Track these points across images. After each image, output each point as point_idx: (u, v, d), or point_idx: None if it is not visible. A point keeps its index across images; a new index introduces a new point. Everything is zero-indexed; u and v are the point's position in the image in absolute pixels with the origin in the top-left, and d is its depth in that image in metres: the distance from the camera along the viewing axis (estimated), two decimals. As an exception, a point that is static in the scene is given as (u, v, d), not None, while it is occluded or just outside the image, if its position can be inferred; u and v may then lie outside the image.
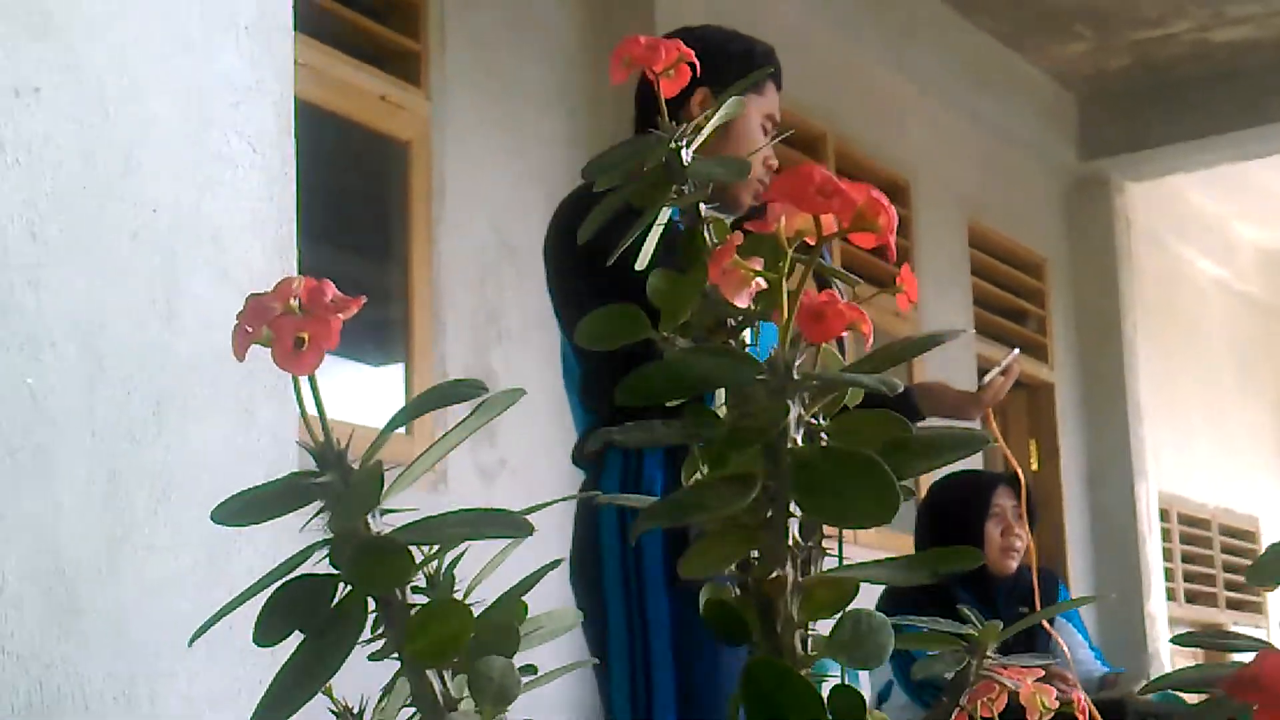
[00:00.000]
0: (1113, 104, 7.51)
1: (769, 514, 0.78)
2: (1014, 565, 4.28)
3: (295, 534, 1.37)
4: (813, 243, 0.86)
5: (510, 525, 0.80)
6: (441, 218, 5.12)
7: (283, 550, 1.35)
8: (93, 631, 1.22)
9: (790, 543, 0.79)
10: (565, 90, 5.53)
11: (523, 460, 5.03)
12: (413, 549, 0.81)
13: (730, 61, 2.93)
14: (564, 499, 1.01)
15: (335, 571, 0.84)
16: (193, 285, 1.33)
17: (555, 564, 0.94)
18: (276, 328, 0.81)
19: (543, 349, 4.36)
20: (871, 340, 0.93)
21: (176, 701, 1.27)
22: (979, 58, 6.99)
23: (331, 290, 0.83)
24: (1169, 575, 7.69)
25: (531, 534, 0.80)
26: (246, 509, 0.87)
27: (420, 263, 5.04)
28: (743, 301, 0.88)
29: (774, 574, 0.79)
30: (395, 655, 0.84)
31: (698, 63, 3.35)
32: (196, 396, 1.32)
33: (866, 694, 4.49)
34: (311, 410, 0.86)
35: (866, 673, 4.48)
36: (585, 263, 2.80)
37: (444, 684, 0.83)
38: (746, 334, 1.13)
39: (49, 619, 1.20)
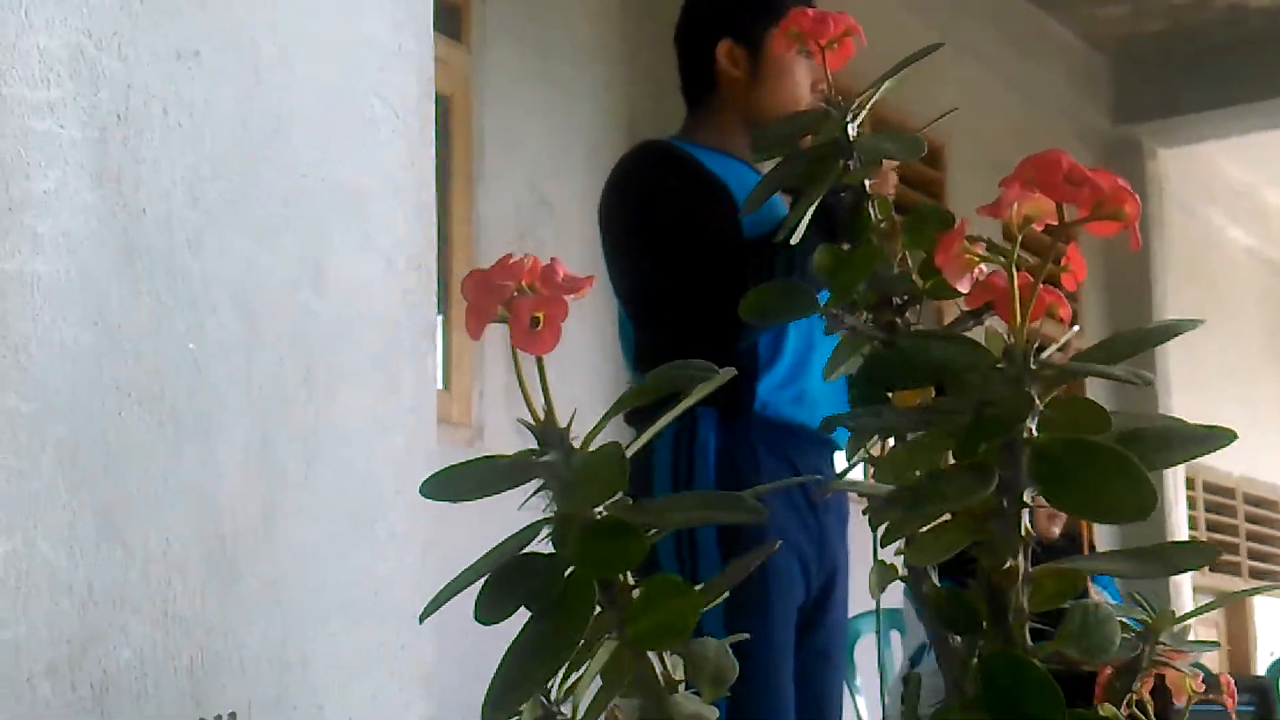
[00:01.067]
0: (1147, 69, 7.49)
1: (1003, 503, 0.79)
2: (1057, 531, 4.30)
3: (432, 503, 1.38)
4: (1041, 229, 0.86)
5: (743, 509, 0.80)
6: (481, 174, 5.11)
7: (420, 516, 1.36)
8: (250, 596, 1.23)
9: (1022, 533, 0.79)
10: (605, 44, 5.52)
11: (561, 417, 5.02)
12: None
13: (748, 2, 2.90)
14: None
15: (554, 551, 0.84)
16: (339, 251, 1.33)
17: (774, 545, 0.93)
18: (514, 308, 0.81)
19: (579, 305, 4.36)
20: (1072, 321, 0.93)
21: (325, 666, 1.28)
22: (1015, 20, 6.96)
23: (563, 269, 0.83)
24: (1192, 542, 7.68)
25: (764, 518, 0.80)
26: (464, 483, 0.87)
27: (460, 220, 5.03)
28: (964, 286, 0.87)
29: (1006, 564, 0.79)
30: (611, 636, 0.84)
31: (716, 11, 3.29)
32: (342, 363, 1.32)
33: (899, 659, 4.50)
34: (534, 388, 0.86)
35: (898, 635, 4.49)
36: (645, 230, 2.80)
37: (664, 666, 0.84)
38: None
39: (210, 583, 1.20)
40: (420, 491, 0.90)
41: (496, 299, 0.82)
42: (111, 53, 1.18)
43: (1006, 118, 6.91)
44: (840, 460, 2.76)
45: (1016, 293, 0.82)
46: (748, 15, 2.86)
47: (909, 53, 1.19)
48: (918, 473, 0.82)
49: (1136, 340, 0.82)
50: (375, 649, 1.32)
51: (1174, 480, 7.32)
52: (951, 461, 0.79)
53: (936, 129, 6.42)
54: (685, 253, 2.72)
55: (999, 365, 0.79)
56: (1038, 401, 0.78)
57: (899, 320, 1.12)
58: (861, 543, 3.15)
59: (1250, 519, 8.35)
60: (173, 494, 1.19)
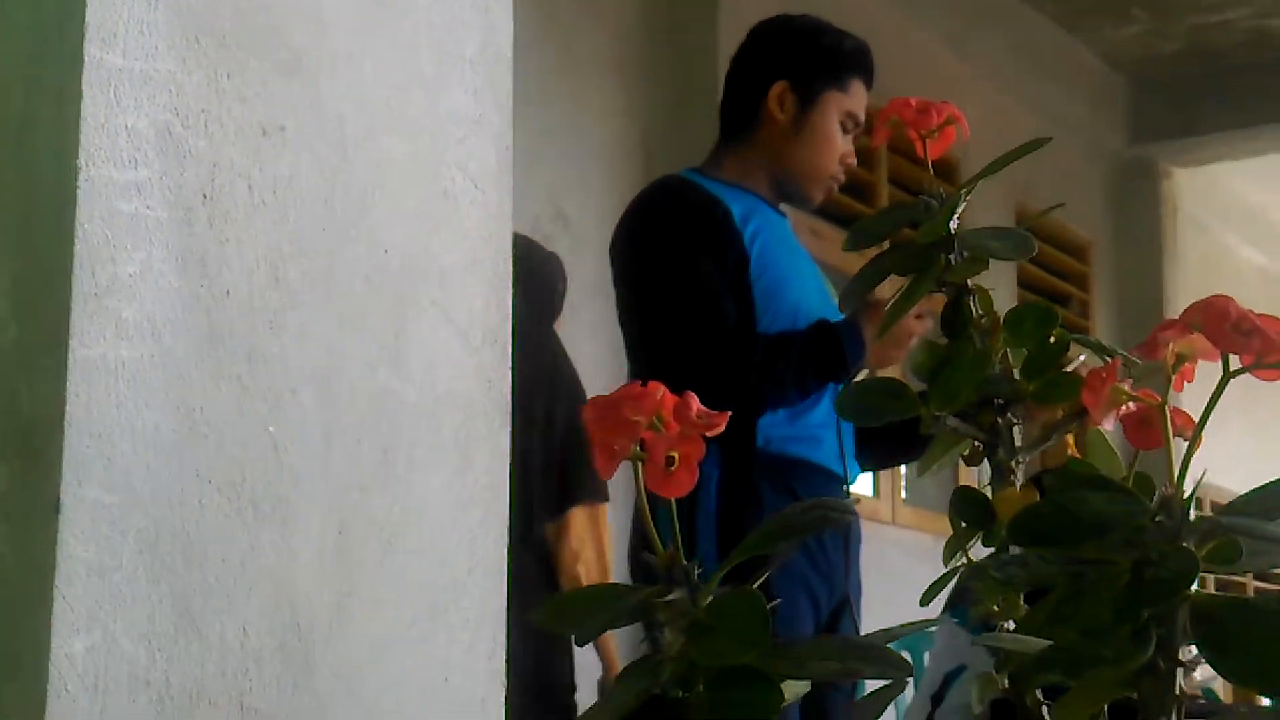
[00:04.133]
0: (1164, 89, 7.46)
1: (1159, 663, 0.76)
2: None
3: (505, 581, 1.35)
4: (1190, 368, 0.83)
5: (888, 665, 0.77)
6: (500, 187, 5.08)
7: (492, 598, 1.33)
8: (324, 688, 1.20)
9: (1176, 693, 0.76)
10: (624, 63, 5.48)
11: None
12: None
13: (815, 56, 2.89)
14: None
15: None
16: (419, 328, 1.29)
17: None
18: (650, 448, 0.78)
19: (595, 320, 4.34)
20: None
21: (398, 756, 1.25)
22: (1034, 40, 6.94)
23: (696, 404, 0.80)
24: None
25: (910, 676, 0.77)
26: (583, 617, 0.84)
27: (478, 232, 5.00)
28: (1109, 425, 0.84)
29: (1160, 723, 0.76)
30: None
31: (780, 54, 3.31)
32: (420, 443, 1.29)
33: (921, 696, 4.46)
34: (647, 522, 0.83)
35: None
36: (645, 274, 2.78)
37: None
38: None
39: (285, 675, 1.17)
40: (535, 621, 0.87)
41: (629, 437, 0.79)
42: (198, 131, 1.15)
43: (1024, 137, 6.88)
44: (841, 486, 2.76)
45: (1170, 439, 0.79)
46: (811, 68, 2.85)
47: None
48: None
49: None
50: (447, 737, 1.29)
51: (1182, 502, 7.29)
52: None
53: (954, 146, 6.39)
54: (680, 301, 2.71)
55: (1158, 518, 0.76)
56: (1200, 561, 0.75)
57: (999, 421, 1.10)
58: (871, 572, 3.11)
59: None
60: (250, 582, 1.16)
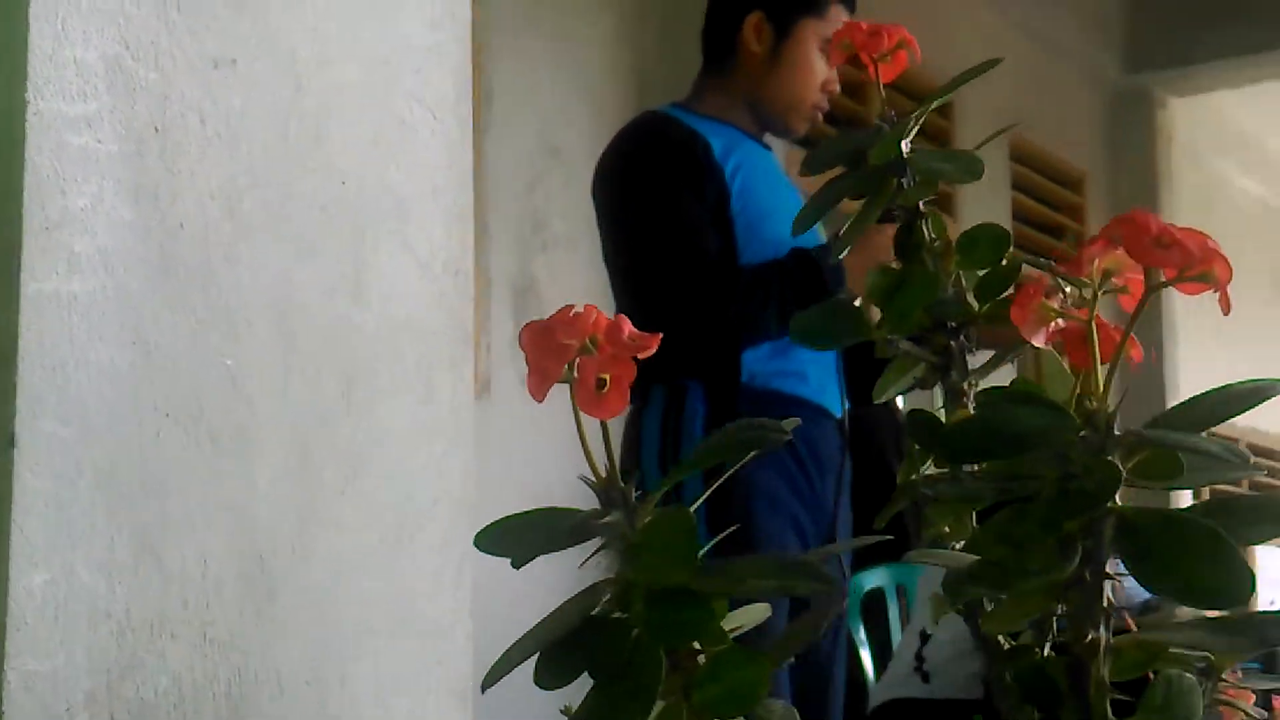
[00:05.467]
0: (1160, 16, 7.41)
1: (1085, 575, 0.76)
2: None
3: (473, 510, 1.36)
4: (1124, 284, 0.83)
5: (820, 579, 0.77)
6: (489, 124, 5.06)
7: (459, 526, 1.33)
8: (287, 615, 1.21)
9: (1104, 604, 0.77)
10: (614, -8, 5.44)
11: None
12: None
13: None
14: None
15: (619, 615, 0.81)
16: (378, 258, 1.30)
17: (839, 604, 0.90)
18: (580, 369, 0.78)
19: (586, 257, 4.32)
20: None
21: (364, 684, 1.26)
22: (1029, -34, 6.88)
23: (628, 326, 0.80)
24: (1195, 496, 7.70)
25: (835, 589, 0.78)
26: (515, 540, 0.84)
27: (468, 169, 4.98)
28: (1039, 340, 0.85)
29: (1088, 636, 0.77)
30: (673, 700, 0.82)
31: None
32: (380, 372, 1.29)
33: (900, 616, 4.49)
34: (596, 446, 0.83)
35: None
36: (626, 209, 2.77)
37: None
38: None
39: (247, 603, 1.18)
40: (475, 544, 0.88)
41: (560, 359, 0.79)
42: (149, 63, 1.15)
43: (1017, 65, 6.83)
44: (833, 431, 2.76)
45: (1098, 355, 0.79)
46: None
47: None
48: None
49: (1224, 404, 0.80)
50: (413, 665, 1.30)
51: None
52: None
53: (947, 78, 6.36)
54: (661, 237, 2.70)
55: (1082, 433, 0.76)
56: (1123, 473, 0.75)
57: (952, 344, 1.10)
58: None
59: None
60: (210, 513, 1.17)
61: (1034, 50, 7.03)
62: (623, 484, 0.82)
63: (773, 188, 2.84)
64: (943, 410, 1.08)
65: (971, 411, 1.07)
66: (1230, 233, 8.35)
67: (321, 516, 1.24)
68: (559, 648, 0.80)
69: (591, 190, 2.88)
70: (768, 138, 2.93)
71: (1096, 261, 0.79)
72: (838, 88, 2.94)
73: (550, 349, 0.79)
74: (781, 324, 2.64)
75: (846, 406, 2.85)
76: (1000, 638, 0.97)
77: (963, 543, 1.01)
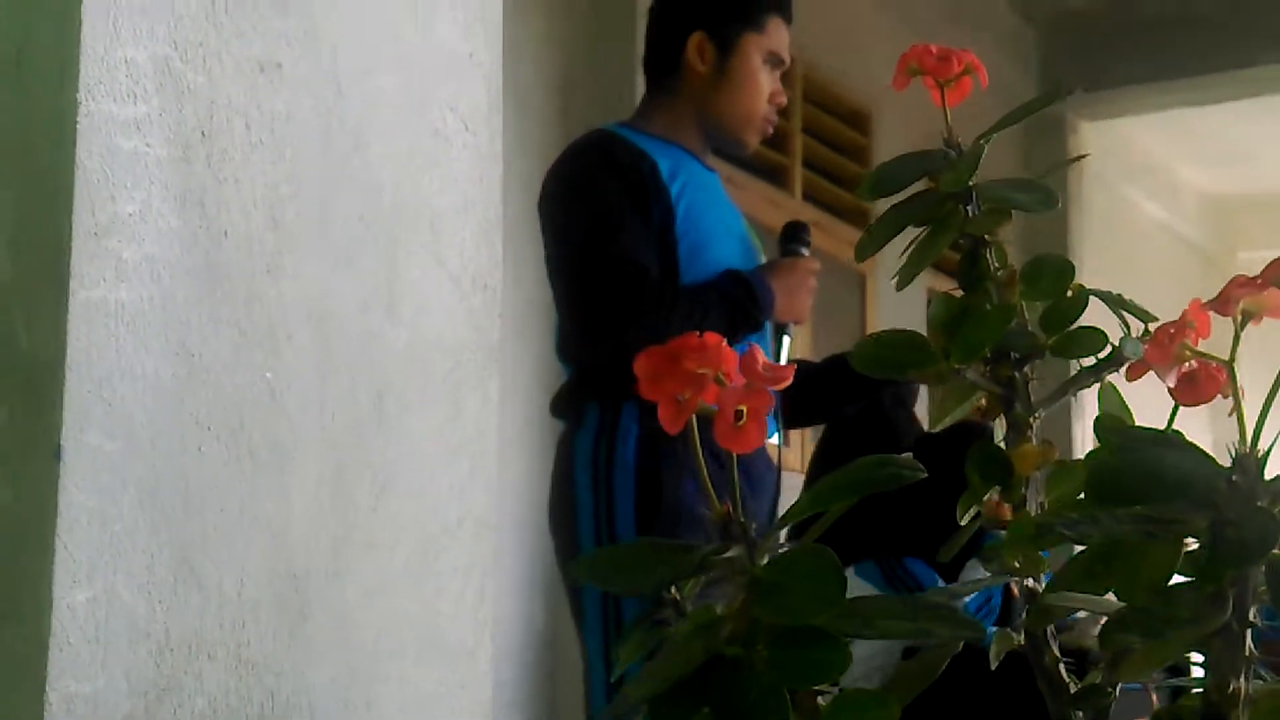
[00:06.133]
0: (1074, 42, 7.51)
1: (1232, 624, 0.75)
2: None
3: (495, 530, 1.33)
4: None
5: (959, 624, 0.76)
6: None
7: (481, 547, 1.31)
8: (319, 636, 1.17)
9: (1246, 654, 0.76)
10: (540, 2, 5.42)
11: (523, 384, 5.01)
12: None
13: (727, 1, 2.87)
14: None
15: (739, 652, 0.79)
16: (410, 271, 1.27)
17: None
18: (720, 402, 0.76)
19: (532, 290, 4.30)
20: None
21: (391, 705, 1.23)
22: (949, -10, 6.95)
23: (761, 357, 0.78)
24: None
25: (983, 635, 0.77)
26: (629, 573, 0.82)
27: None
28: (1172, 381, 0.84)
29: (1230, 687, 0.76)
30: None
31: (693, 3, 3.26)
32: (411, 387, 1.26)
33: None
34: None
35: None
36: (570, 227, 2.75)
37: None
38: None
39: (281, 624, 1.15)
40: (576, 574, 0.85)
41: (694, 390, 0.77)
42: (196, 65, 1.11)
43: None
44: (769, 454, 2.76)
45: (1239, 397, 0.78)
46: (725, 14, 2.84)
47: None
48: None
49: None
50: (437, 688, 1.27)
51: (1083, 449, 7.41)
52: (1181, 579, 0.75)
53: (864, 96, 6.40)
54: (603, 256, 2.68)
55: (1233, 477, 0.75)
56: (1280, 521, 0.74)
57: (1017, 375, 1.09)
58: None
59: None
60: (247, 531, 1.13)
61: (952, 72, 7.08)
62: (742, 519, 0.80)
63: (717, 210, 2.83)
64: (1003, 442, 1.08)
65: (1035, 444, 1.06)
66: (1135, 255, 8.47)
67: (353, 536, 1.21)
68: (681, 688, 0.77)
69: (538, 206, 2.85)
70: (710, 159, 2.93)
71: (1240, 302, 0.78)
72: (784, 100, 2.95)
73: (681, 377, 0.77)
74: None
75: (779, 426, 2.85)
76: (1065, 676, 0.97)
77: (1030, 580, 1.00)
